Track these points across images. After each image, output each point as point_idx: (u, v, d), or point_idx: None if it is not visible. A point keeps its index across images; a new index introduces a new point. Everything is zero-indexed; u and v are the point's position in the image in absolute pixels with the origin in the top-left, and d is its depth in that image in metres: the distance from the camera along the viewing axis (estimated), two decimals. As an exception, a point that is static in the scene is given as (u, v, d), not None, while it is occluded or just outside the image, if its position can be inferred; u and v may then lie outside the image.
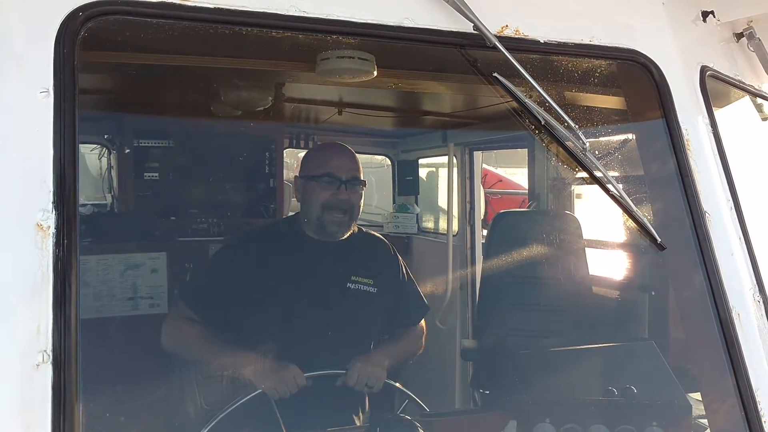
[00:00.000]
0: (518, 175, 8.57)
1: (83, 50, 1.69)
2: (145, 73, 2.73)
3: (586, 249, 3.99)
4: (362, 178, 2.91)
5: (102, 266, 4.56)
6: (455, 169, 5.38)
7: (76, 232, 1.50)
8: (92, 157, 6.33)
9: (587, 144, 1.97)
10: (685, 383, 2.39)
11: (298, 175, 3.00)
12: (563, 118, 1.96)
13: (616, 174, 2.26)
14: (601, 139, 2.29)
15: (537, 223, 4.04)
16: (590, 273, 3.93)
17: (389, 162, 6.23)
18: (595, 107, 2.45)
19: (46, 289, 1.44)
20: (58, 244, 1.47)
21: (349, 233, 2.94)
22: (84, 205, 6.00)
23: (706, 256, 2.06)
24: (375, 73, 2.38)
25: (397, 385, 2.82)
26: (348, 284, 2.90)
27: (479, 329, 4.19)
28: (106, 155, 5.51)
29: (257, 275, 2.83)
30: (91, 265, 4.51)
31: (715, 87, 2.47)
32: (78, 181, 1.55)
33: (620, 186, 2.00)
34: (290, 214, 5.54)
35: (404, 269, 3.16)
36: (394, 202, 6.16)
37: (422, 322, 3.23)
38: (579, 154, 2.00)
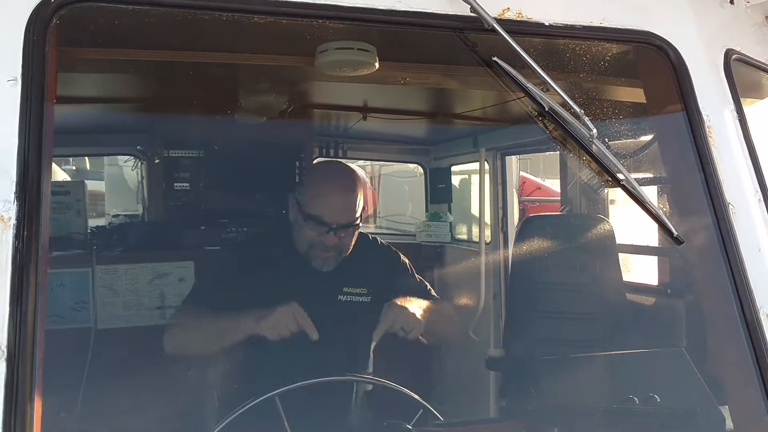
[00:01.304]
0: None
1: (62, 41, 1.65)
2: (139, 70, 2.68)
3: (620, 254, 3.80)
4: (357, 221, 2.78)
5: (130, 275, 4.57)
6: (487, 175, 5.24)
7: (38, 225, 1.44)
8: (128, 168, 6.42)
9: (595, 131, 1.84)
10: (721, 393, 2.20)
11: (294, 193, 2.91)
12: (569, 104, 1.83)
13: (629, 165, 2.10)
14: (615, 128, 2.14)
15: (566, 227, 3.86)
16: (624, 279, 3.73)
17: (422, 170, 6.13)
18: (606, 95, 2.30)
19: (2, 282, 1.38)
20: (17, 236, 1.41)
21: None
22: (116, 216, 6.08)
23: (730, 251, 1.89)
24: (377, 65, 2.29)
25: (407, 392, 2.68)
26: (339, 296, 2.81)
27: (506, 338, 4.03)
28: (138, 166, 5.54)
29: (248, 290, 2.74)
30: (120, 274, 4.53)
31: (749, 77, 2.30)
32: (44, 172, 1.50)
33: (632, 176, 1.85)
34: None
35: (411, 271, 3.05)
36: (426, 211, 6.04)
37: (453, 309, 3.07)
38: (586, 142, 1.86)
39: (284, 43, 2.21)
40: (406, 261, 3.06)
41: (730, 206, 1.94)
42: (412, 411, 2.86)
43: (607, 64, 2.08)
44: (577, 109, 1.82)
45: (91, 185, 7.96)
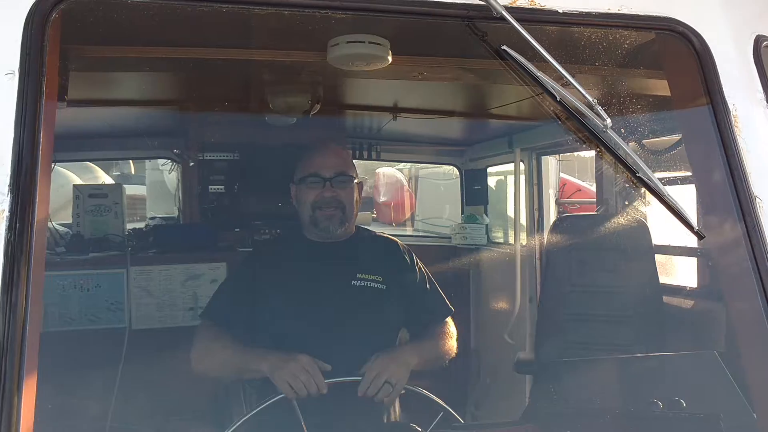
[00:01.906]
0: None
1: (65, 37, 1.66)
2: (155, 68, 2.69)
3: (665, 256, 3.67)
4: (351, 174, 2.87)
5: (164, 276, 4.62)
6: (522, 176, 5.14)
7: (32, 218, 1.44)
8: (166, 172, 6.52)
9: (609, 121, 1.75)
10: (749, 399, 2.08)
11: (291, 182, 2.97)
12: (581, 93, 1.75)
13: (653, 160, 2.01)
14: (634, 121, 2.05)
15: (600, 227, 3.74)
16: (660, 281, 3.59)
17: (458, 172, 6.05)
18: (625, 86, 2.20)
19: (-6, 273, 1.37)
20: (10, 228, 1.41)
21: (350, 233, 2.91)
22: (153, 218, 6.17)
23: (756, 247, 1.78)
24: (390, 59, 2.24)
25: (425, 392, 2.62)
26: (353, 281, 2.82)
27: (537, 341, 3.93)
28: (175, 169, 5.61)
29: (269, 288, 2.81)
30: (154, 275, 4.58)
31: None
32: (40, 166, 1.49)
33: (649, 168, 1.76)
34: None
35: (422, 271, 3.02)
36: (462, 213, 5.96)
37: (451, 324, 3.03)
38: (600, 132, 1.78)
39: (296, 38, 2.18)
40: (413, 255, 3.05)
41: (757, 200, 1.83)
42: (433, 413, 2.81)
43: (626, 53, 1.99)
44: (590, 99, 1.74)
45: (135, 189, 8.15)
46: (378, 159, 5.54)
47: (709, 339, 3.21)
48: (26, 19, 1.56)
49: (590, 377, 2.47)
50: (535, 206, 5.04)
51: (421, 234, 7.09)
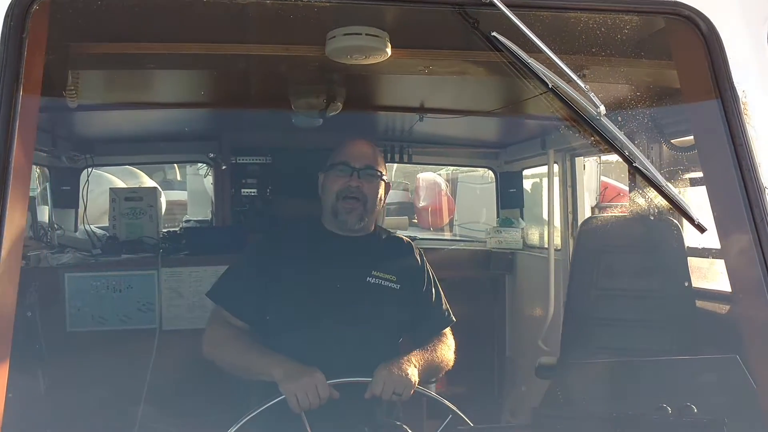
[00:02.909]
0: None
1: (52, 32, 1.67)
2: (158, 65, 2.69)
3: (690, 258, 3.51)
4: (379, 170, 2.82)
5: (194, 278, 4.66)
6: (556, 178, 5.02)
7: (2, 210, 1.44)
8: (203, 176, 6.61)
9: (602, 108, 1.67)
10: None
11: (320, 171, 2.95)
12: (573, 79, 1.68)
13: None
14: (636, 110, 1.95)
15: (629, 229, 3.60)
16: (693, 285, 3.44)
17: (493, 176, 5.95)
18: (626, 74, 2.10)
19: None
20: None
21: (369, 229, 2.87)
22: (188, 221, 6.26)
23: (765, 242, 1.67)
24: (389, 51, 2.20)
25: (433, 394, 2.56)
26: (368, 278, 2.78)
27: (562, 345, 3.80)
28: (209, 173, 5.68)
29: (280, 270, 2.78)
30: (184, 276, 4.63)
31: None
32: (16, 160, 1.49)
33: (645, 157, 1.67)
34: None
35: (432, 278, 2.97)
36: (497, 217, 5.86)
37: (450, 335, 2.97)
38: (594, 120, 1.69)
39: (294, 32, 2.16)
40: (424, 259, 3.01)
41: (767, 191, 1.72)
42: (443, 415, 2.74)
43: (628, 40, 1.90)
44: (583, 86, 1.66)
45: (178, 195, 8.28)
46: (410, 161, 5.49)
47: (740, 344, 3.05)
48: (6, 11, 1.57)
49: (602, 381, 2.38)
50: (570, 209, 4.90)
51: (457, 238, 7.01)
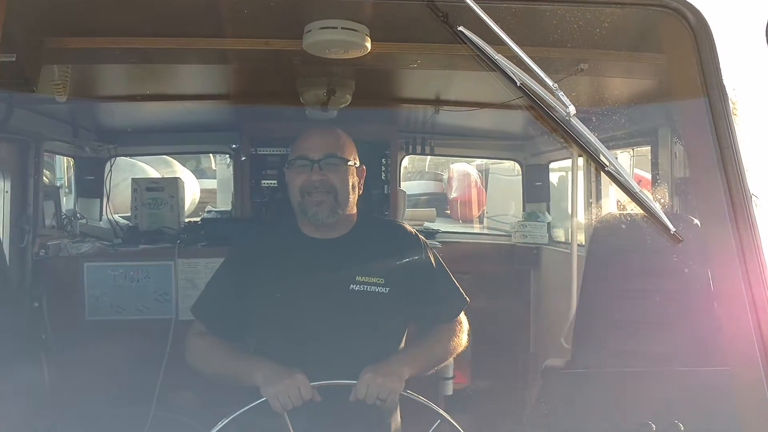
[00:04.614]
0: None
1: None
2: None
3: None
4: (343, 156, 2.61)
5: (210, 269, 4.65)
6: (581, 172, 4.85)
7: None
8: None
9: (572, 108, 1.56)
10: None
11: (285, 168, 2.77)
12: (541, 77, 1.57)
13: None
14: (615, 110, 1.83)
15: (646, 226, 3.43)
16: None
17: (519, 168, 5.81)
18: (607, 71, 1.97)
19: None
20: None
21: (348, 223, 2.70)
22: (209, 211, 6.28)
23: (749, 254, 1.54)
24: (369, 46, 2.12)
25: (421, 399, 2.47)
26: (352, 286, 2.61)
27: (573, 348, 3.67)
28: (231, 165, 5.69)
29: (258, 283, 2.65)
30: (200, 267, 4.64)
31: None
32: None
33: (616, 159, 1.56)
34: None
35: (434, 260, 2.78)
36: (523, 210, 5.71)
37: (463, 318, 2.81)
38: (564, 120, 1.59)
39: (273, 26, 2.10)
40: (424, 242, 2.83)
41: (754, 198, 1.59)
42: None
43: (608, 33, 1.78)
44: (551, 84, 1.56)
45: (211, 183, 8.34)
46: (432, 153, 5.38)
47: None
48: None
49: (595, 391, 2.27)
50: (594, 204, 4.74)
51: (483, 231, 6.88)
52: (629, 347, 3.24)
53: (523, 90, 1.60)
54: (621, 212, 5.10)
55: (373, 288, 2.62)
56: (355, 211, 2.72)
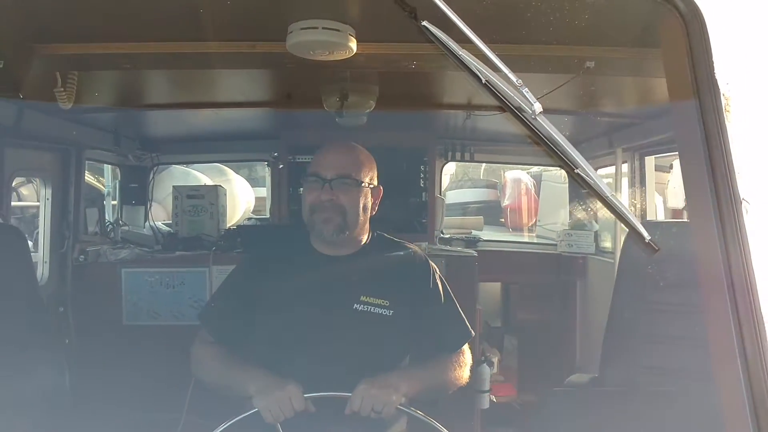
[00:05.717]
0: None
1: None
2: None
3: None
4: (357, 177, 2.56)
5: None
6: (626, 179, 4.65)
7: None
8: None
9: (537, 106, 1.45)
10: None
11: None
12: (505, 73, 1.46)
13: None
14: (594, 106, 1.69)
15: (677, 236, 3.23)
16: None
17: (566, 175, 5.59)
18: (586, 65, 1.83)
19: None
20: None
21: (357, 243, 2.65)
22: (249, 218, 6.34)
23: (735, 265, 1.39)
24: (354, 47, 2.05)
25: (418, 413, 2.37)
26: (356, 305, 2.56)
27: (601, 364, 3.48)
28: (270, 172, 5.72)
29: (264, 294, 2.63)
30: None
31: None
32: None
33: (587, 162, 1.43)
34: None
35: (440, 291, 2.71)
36: (569, 218, 5.51)
37: (466, 352, 2.71)
38: (529, 119, 1.47)
39: (257, 28, 2.06)
40: (434, 268, 2.74)
41: (744, 203, 1.43)
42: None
43: (590, 25, 1.64)
44: (515, 80, 1.45)
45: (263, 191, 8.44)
46: (473, 160, 5.25)
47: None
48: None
49: (603, 407, 2.13)
50: (638, 212, 4.52)
51: (532, 241, 6.68)
52: (657, 364, 3.05)
53: (489, 88, 1.49)
54: (657, 221, 4.86)
55: (377, 309, 2.58)
56: (366, 229, 2.69)
